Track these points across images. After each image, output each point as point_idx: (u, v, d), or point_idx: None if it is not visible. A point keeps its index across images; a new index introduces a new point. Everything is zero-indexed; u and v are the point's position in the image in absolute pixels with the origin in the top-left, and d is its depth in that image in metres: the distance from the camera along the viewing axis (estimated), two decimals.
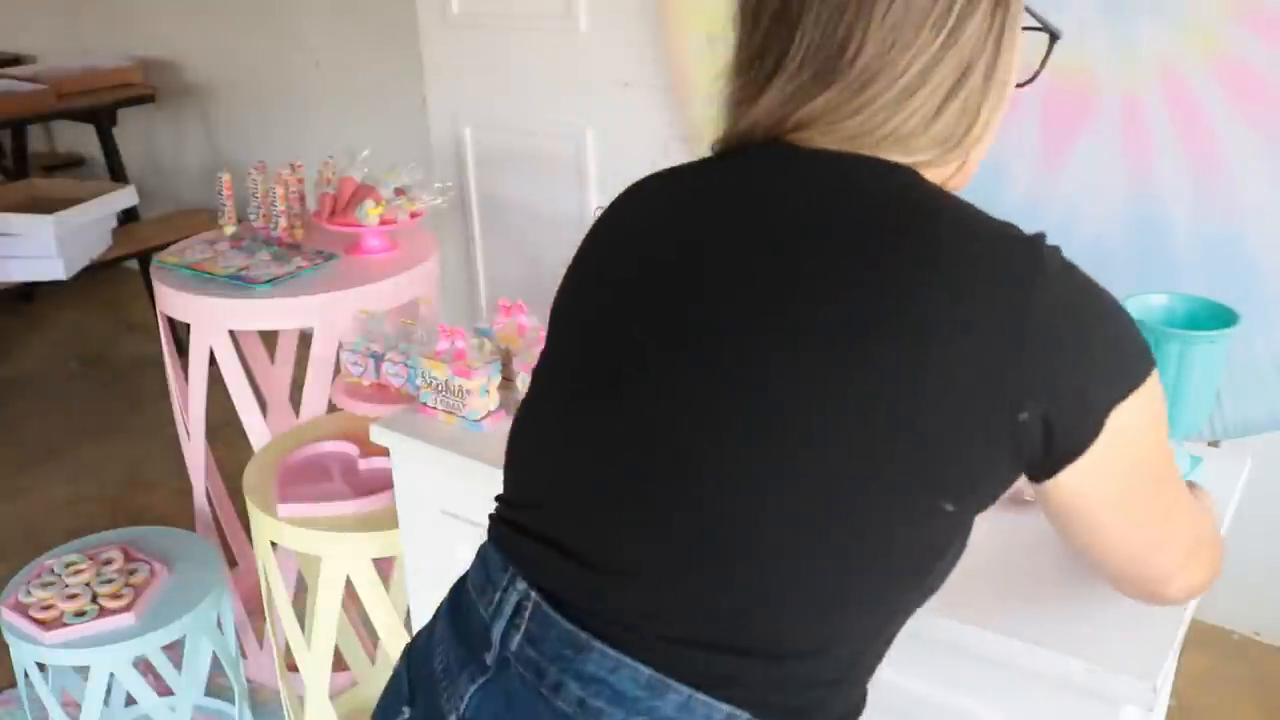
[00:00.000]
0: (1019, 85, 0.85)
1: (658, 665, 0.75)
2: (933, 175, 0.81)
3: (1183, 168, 1.80)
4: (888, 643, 0.83)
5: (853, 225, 0.76)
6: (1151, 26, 1.77)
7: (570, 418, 0.84)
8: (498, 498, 0.91)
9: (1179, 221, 1.82)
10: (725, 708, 0.75)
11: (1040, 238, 0.74)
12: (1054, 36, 0.87)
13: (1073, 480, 0.76)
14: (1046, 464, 0.75)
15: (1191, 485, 1.00)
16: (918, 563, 0.77)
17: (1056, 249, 0.74)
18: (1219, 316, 1.11)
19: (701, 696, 0.75)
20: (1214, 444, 1.52)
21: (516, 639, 0.80)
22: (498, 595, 0.83)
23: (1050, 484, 0.77)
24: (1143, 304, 1.12)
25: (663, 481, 0.77)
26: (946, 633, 0.99)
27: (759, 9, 0.81)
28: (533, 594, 0.80)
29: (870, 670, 0.83)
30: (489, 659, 0.82)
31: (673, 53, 2.31)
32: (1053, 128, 1.89)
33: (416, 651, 0.91)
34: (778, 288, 0.76)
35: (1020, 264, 0.72)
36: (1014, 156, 1.92)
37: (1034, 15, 0.85)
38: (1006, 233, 0.75)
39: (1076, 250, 0.77)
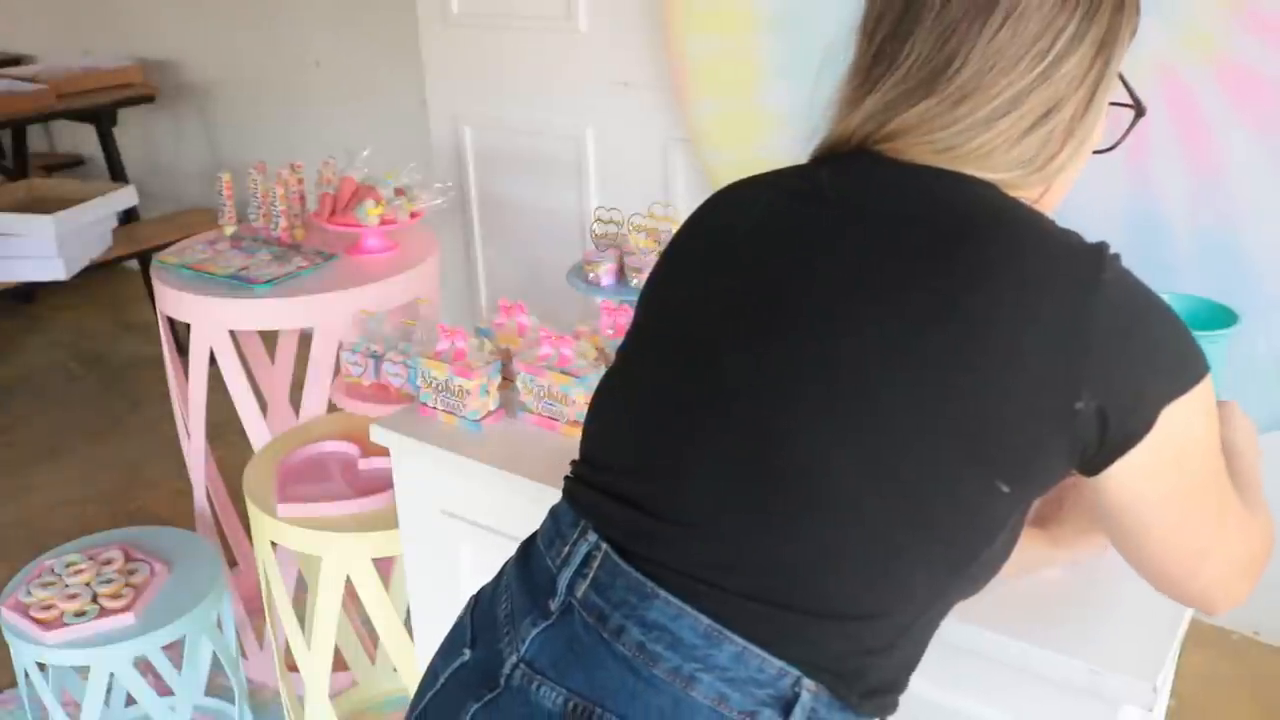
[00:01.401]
0: (1096, 152, 0.89)
1: (716, 616, 0.79)
2: (1016, 196, 0.85)
3: (1182, 168, 1.80)
4: (930, 628, 0.85)
5: (932, 225, 0.81)
6: (1151, 27, 1.76)
7: (654, 386, 0.89)
8: (573, 461, 0.95)
9: (1179, 221, 1.82)
10: (778, 662, 0.79)
11: (1104, 246, 0.79)
12: (1140, 111, 0.91)
13: (1123, 475, 0.80)
14: (1100, 457, 0.79)
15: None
16: (968, 543, 0.81)
17: (1117, 256, 0.79)
18: (1219, 316, 1.11)
19: (756, 649, 0.79)
20: None
21: (583, 586, 0.84)
22: (567, 548, 0.87)
23: (1103, 477, 0.81)
24: None
25: (736, 442, 0.82)
26: (947, 633, 0.99)
27: (878, 23, 0.87)
28: (603, 545, 0.85)
29: (914, 652, 0.86)
30: (553, 605, 0.86)
31: (673, 53, 2.31)
32: None
33: (482, 600, 0.95)
34: (858, 279, 0.81)
35: (1085, 267, 0.77)
36: None
37: (1126, 88, 0.90)
38: (1072, 239, 0.80)
39: None
